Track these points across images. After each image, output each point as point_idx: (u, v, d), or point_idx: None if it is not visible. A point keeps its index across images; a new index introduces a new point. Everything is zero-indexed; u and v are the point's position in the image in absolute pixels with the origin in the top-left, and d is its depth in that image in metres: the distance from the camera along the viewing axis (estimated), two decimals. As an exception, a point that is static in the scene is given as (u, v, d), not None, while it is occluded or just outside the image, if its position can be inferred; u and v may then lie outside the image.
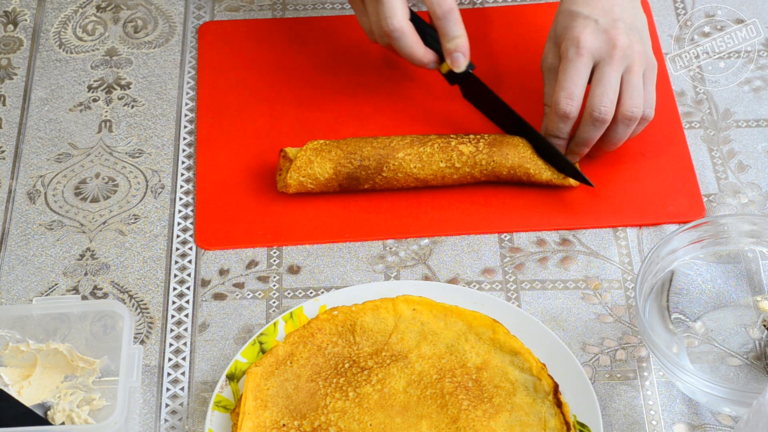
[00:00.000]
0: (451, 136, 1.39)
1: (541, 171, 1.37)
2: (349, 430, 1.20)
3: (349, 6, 1.58)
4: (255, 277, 1.34)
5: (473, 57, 1.45)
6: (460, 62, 1.39)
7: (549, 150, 1.37)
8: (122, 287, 1.34)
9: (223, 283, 1.34)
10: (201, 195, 1.41)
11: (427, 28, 1.40)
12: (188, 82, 1.52)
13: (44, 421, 1.22)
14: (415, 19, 1.39)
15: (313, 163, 1.38)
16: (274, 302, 1.33)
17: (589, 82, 1.36)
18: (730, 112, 1.47)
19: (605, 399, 1.24)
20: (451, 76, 1.41)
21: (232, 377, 1.25)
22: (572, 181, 1.38)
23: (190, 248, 1.37)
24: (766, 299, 1.29)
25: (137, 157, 1.45)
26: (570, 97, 1.34)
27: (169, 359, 1.29)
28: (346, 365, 1.25)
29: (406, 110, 1.47)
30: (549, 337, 1.26)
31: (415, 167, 1.38)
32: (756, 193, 1.40)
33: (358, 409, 1.21)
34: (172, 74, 1.53)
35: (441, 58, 1.40)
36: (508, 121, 1.41)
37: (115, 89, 1.51)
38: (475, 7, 1.58)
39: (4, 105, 1.50)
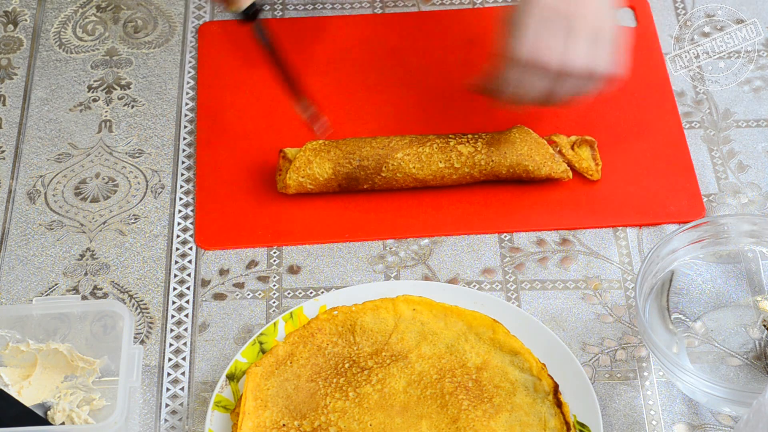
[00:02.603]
0: (450, 135, 1.39)
1: (540, 167, 1.37)
2: (349, 430, 1.20)
3: (350, 6, 1.58)
4: (255, 277, 1.34)
5: (473, 57, 1.45)
6: None
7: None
8: (122, 287, 1.34)
9: (223, 283, 1.34)
10: (201, 195, 1.41)
11: None
12: (188, 82, 1.52)
13: (44, 421, 1.22)
14: None
15: (312, 163, 1.38)
16: (274, 302, 1.33)
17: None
18: (730, 112, 1.47)
19: (605, 399, 1.24)
20: (240, 14, 1.37)
21: (232, 377, 1.25)
22: (570, 175, 1.39)
23: (190, 248, 1.37)
24: (766, 299, 1.29)
25: (137, 157, 1.45)
26: (548, 48, 1.29)
27: (169, 359, 1.29)
28: (346, 365, 1.25)
29: (406, 110, 1.47)
30: (549, 337, 1.26)
31: (414, 167, 1.38)
32: (756, 193, 1.40)
33: (358, 409, 1.21)
34: (172, 74, 1.53)
35: None
36: (284, 74, 1.38)
37: (115, 89, 1.51)
38: (475, 7, 1.58)
39: (4, 105, 1.50)
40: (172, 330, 1.31)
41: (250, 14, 1.37)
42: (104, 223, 1.39)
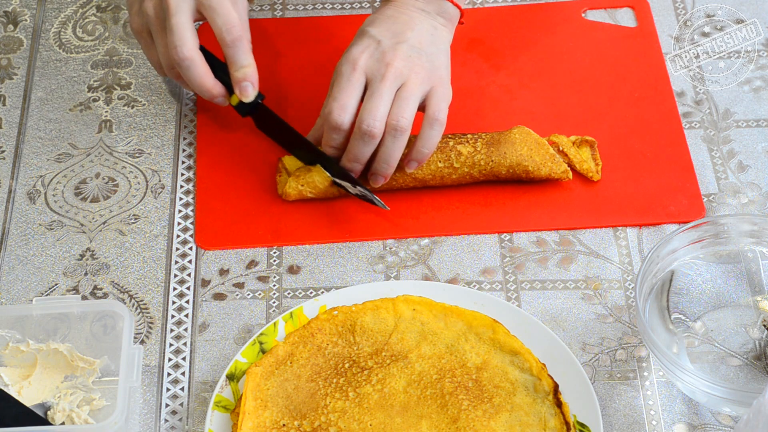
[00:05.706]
0: (449, 136, 1.39)
1: (540, 168, 1.37)
2: (349, 430, 1.20)
3: (350, 6, 1.58)
4: (255, 277, 1.35)
5: (473, 57, 1.44)
6: (249, 92, 1.37)
7: (345, 175, 1.36)
8: (122, 287, 1.34)
9: (223, 283, 1.34)
10: (201, 195, 1.41)
11: (216, 61, 1.38)
12: (188, 82, 1.51)
13: (44, 421, 1.22)
14: (205, 52, 1.37)
15: (311, 171, 1.38)
16: (274, 302, 1.33)
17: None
18: (730, 112, 1.47)
19: (605, 399, 1.24)
20: (242, 108, 1.39)
21: (232, 377, 1.25)
22: (570, 175, 1.38)
23: (190, 248, 1.37)
24: (766, 299, 1.29)
25: (137, 157, 1.45)
26: (343, 108, 1.33)
27: (169, 359, 1.29)
28: (346, 365, 1.25)
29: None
30: (549, 337, 1.26)
31: (414, 167, 1.38)
32: (756, 193, 1.40)
33: (358, 409, 1.21)
34: (172, 74, 1.53)
35: (230, 90, 1.38)
36: (302, 150, 1.39)
37: (115, 89, 1.51)
38: (475, 7, 1.58)
39: (4, 105, 1.50)
40: (172, 330, 1.31)
41: (254, 103, 1.38)
42: (104, 223, 1.39)
